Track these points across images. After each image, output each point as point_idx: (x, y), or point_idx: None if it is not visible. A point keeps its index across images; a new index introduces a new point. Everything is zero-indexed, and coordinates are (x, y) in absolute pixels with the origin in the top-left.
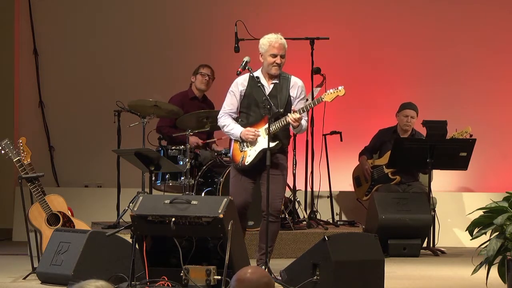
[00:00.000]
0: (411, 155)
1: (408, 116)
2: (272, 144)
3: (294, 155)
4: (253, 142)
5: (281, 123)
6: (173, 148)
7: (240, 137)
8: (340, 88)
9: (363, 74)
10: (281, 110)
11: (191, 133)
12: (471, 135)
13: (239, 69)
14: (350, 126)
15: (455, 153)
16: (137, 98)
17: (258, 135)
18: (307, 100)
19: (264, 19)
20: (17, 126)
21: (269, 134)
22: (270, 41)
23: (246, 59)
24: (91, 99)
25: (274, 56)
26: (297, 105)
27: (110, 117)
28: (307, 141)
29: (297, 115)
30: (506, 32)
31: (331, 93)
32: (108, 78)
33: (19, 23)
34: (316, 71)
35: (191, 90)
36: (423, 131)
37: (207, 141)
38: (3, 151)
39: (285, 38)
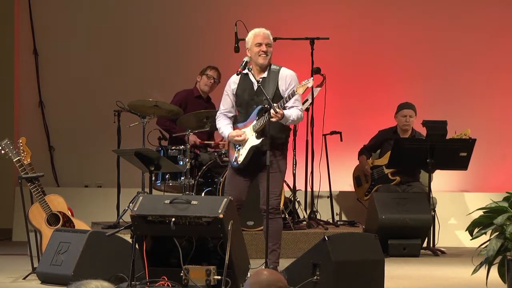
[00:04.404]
0: (411, 155)
1: (407, 116)
2: (258, 141)
3: (294, 155)
4: (243, 141)
5: (264, 119)
6: (173, 148)
7: (228, 139)
8: (309, 79)
9: (363, 74)
10: (267, 106)
11: (191, 133)
12: (470, 138)
13: (239, 69)
14: (350, 126)
15: (455, 153)
16: (137, 98)
17: (245, 136)
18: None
19: (264, 19)
20: (17, 126)
21: (268, 133)
22: (253, 33)
23: (246, 59)
24: (91, 99)
25: (259, 44)
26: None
27: (110, 117)
28: (307, 141)
29: (276, 109)
30: (507, 33)
31: (302, 85)
32: (108, 78)
33: (19, 23)
34: (316, 71)
35: (196, 89)
36: (423, 131)
37: (206, 142)
38: (3, 151)
39: (285, 38)
